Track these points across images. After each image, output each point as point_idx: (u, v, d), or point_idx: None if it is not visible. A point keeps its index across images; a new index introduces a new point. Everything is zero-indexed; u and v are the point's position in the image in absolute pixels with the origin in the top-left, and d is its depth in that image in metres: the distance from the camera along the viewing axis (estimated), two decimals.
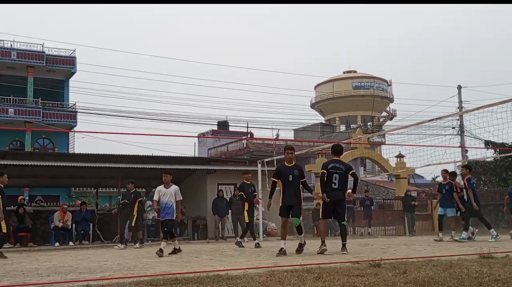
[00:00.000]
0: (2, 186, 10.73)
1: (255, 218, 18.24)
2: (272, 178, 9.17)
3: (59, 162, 16.39)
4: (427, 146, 16.94)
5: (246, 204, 12.91)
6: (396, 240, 15.07)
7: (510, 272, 4.59)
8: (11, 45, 33.16)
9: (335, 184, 8.77)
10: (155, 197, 10.27)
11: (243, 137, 36.80)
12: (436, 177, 57.32)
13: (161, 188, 10.24)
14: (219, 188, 17.75)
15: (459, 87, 27.81)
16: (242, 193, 13.01)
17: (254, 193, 13.26)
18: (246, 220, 12.94)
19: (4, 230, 10.48)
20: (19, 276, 6.52)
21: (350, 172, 8.94)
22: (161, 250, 9.50)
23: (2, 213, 10.42)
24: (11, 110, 31.88)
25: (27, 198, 23.26)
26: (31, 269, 7.64)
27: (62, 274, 6.53)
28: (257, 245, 11.75)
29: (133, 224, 14.03)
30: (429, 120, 14.31)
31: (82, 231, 16.65)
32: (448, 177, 13.33)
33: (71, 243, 15.93)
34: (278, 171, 9.16)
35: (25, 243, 15.50)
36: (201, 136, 40.72)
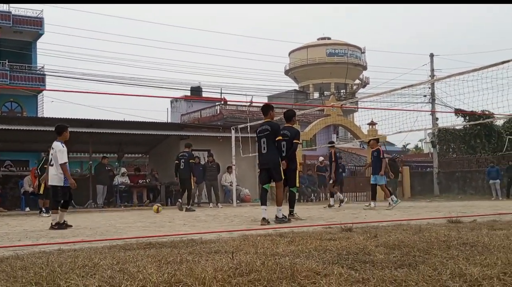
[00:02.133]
0: None
1: (228, 183, 18.44)
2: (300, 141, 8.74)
3: (28, 126, 16.05)
4: (399, 110, 17.10)
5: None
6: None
7: (478, 236, 4.72)
8: None
9: (264, 149, 8.27)
10: (64, 158, 8.22)
11: (217, 103, 36.55)
12: (407, 144, 58.60)
13: (60, 145, 8.31)
14: (195, 155, 17.57)
15: (431, 55, 28.02)
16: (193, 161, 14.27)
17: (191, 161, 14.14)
18: (192, 186, 14.35)
19: None
20: None
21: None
22: (65, 223, 8.26)
23: None
24: None
25: None
26: (2, 233, 7.54)
27: (33, 239, 6.47)
28: (189, 209, 13.41)
29: (41, 192, 12.77)
30: (401, 88, 14.47)
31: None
32: (377, 143, 13.62)
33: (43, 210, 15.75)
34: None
35: None
36: (174, 97, 40.21)
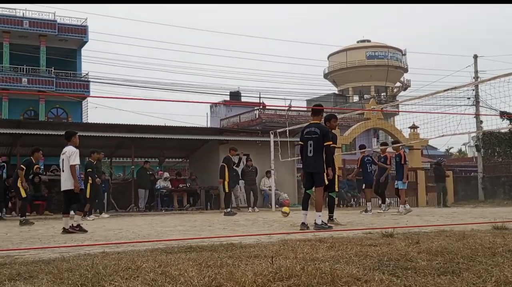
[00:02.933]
0: (34, 161, 11.50)
1: (267, 188, 18.47)
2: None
3: (73, 130, 16.49)
4: (441, 113, 16.69)
5: (227, 175, 14.06)
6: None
7: None
8: (23, 13, 33.04)
9: (310, 152, 8.00)
10: (77, 160, 8.50)
11: (256, 107, 36.70)
12: (450, 148, 57.22)
13: (72, 147, 8.68)
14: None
15: (475, 57, 27.30)
16: (225, 164, 14.11)
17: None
18: (226, 190, 14.12)
19: (24, 195, 11.59)
20: (37, 242, 6.65)
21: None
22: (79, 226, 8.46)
23: (25, 183, 11.53)
24: (24, 79, 32.03)
25: (42, 167, 23.52)
26: (48, 236, 7.79)
27: (78, 241, 6.65)
28: (228, 213, 13.36)
29: (88, 195, 13.09)
30: (444, 90, 14.09)
31: (97, 200, 16.87)
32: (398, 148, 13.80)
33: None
34: None
35: (41, 211, 15.79)
36: (213, 103, 40.66)
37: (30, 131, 15.88)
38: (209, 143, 19.54)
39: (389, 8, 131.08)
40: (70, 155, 8.41)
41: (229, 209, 13.76)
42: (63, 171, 8.56)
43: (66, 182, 8.46)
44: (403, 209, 12.76)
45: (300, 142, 8.28)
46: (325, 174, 7.99)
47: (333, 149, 8.71)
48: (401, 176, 13.00)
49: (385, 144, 14.64)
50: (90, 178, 13.17)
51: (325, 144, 7.92)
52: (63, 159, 8.55)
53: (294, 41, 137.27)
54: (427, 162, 31.70)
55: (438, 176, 20.28)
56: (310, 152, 7.97)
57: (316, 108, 8.63)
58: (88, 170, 13.40)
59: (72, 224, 8.38)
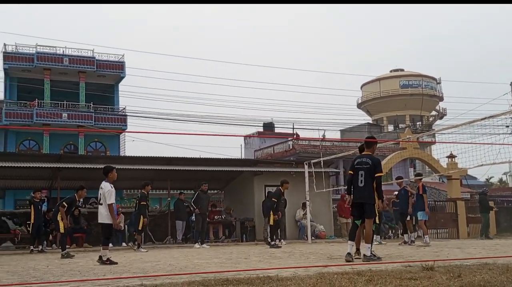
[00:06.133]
0: (79, 199, 12.30)
1: (303, 219, 18.28)
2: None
3: (111, 165, 16.85)
4: (480, 144, 16.28)
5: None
6: (449, 243, 14.69)
7: None
8: (63, 51, 34.39)
9: (361, 182, 7.95)
10: (112, 199, 9.09)
11: (289, 138, 36.77)
12: (490, 178, 55.61)
13: (108, 185, 9.19)
14: (268, 190, 17.53)
15: None
16: (276, 199, 14.05)
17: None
18: (271, 222, 13.98)
19: (62, 231, 11.73)
20: (76, 275, 6.77)
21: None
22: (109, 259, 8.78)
23: (66, 220, 11.81)
24: (64, 114, 33.07)
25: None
26: (87, 268, 7.92)
27: (117, 274, 6.73)
28: (273, 246, 13.12)
29: (139, 227, 13.72)
30: (481, 119, 13.86)
31: (135, 232, 17.05)
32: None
33: (124, 244, 16.36)
34: None
35: (81, 243, 16.04)
36: (247, 135, 41.00)
37: (70, 165, 16.31)
38: (244, 174, 19.60)
39: (421, 37, 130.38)
40: (106, 194, 8.95)
41: (274, 242, 13.67)
42: (100, 203, 9.08)
43: (102, 216, 8.99)
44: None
45: (350, 171, 8.21)
46: (375, 205, 7.93)
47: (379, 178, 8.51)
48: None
49: (400, 177, 15.23)
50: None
51: (376, 175, 7.87)
52: (100, 193, 9.10)
53: (327, 71, 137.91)
54: (467, 192, 30.91)
55: (484, 207, 19.51)
56: (361, 182, 7.93)
57: (368, 140, 8.57)
58: (142, 203, 13.74)
59: (103, 259, 8.81)
